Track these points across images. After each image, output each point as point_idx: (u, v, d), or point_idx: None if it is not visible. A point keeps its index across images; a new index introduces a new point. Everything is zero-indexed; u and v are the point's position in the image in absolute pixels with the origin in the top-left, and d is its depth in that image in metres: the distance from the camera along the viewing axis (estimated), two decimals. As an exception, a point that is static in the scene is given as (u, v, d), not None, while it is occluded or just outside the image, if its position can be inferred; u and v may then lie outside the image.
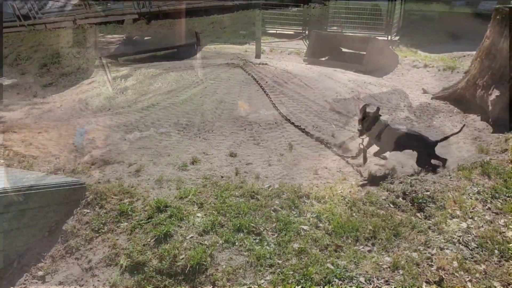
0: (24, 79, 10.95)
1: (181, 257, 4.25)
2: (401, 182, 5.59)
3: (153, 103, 8.54)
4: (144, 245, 4.48)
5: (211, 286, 3.97)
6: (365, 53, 12.21)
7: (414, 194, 5.29)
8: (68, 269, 4.47)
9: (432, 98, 9.36)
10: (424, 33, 15.50)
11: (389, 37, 14.64)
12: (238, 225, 4.67)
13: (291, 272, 4.01)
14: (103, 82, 9.98)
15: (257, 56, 11.67)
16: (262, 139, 7.22)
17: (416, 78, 11.31)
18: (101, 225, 4.85)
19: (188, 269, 4.12)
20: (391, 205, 5.14)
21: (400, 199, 5.25)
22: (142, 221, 4.82)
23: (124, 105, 8.62)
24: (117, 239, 4.62)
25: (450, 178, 5.69)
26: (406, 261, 4.19)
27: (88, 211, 5.07)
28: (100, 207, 5.11)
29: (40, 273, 4.44)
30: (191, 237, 4.56)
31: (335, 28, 15.45)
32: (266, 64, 10.33)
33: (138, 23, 17.11)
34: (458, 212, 5.00)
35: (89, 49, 12.98)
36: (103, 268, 4.38)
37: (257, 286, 3.88)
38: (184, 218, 4.83)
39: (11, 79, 9.98)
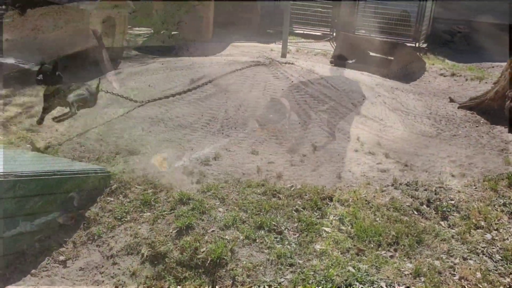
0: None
1: (202, 250, 4.27)
2: (425, 190, 5.53)
3: (177, 98, 8.57)
4: (165, 235, 4.52)
5: (231, 281, 3.98)
6: (392, 58, 12.09)
7: (438, 202, 5.23)
8: (89, 255, 4.52)
9: (458, 107, 9.22)
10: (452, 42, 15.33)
11: (417, 44, 14.49)
12: (259, 222, 4.67)
13: (312, 273, 3.99)
14: (130, 74, 10.07)
15: (283, 55, 11.63)
16: (285, 138, 7.20)
17: (443, 87, 11.16)
18: (124, 213, 4.89)
19: (208, 262, 4.14)
20: (415, 212, 5.09)
21: (424, 206, 5.20)
22: (165, 212, 4.86)
23: (149, 97, 8.68)
24: (139, 228, 4.66)
25: (476, 188, 5.61)
26: (428, 269, 4.15)
27: (112, 199, 5.13)
28: (123, 196, 5.16)
29: (62, 257, 4.50)
30: (212, 231, 4.57)
31: (363, 31, 15.35)
32: (292, 63, 10.29)
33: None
34: (482, 223, 4.93)
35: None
36: (124, 256, 4.42)
37: (277, 285, 3.88)
38: (206, 211, 4.85)
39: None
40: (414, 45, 14.28)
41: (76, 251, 4.58)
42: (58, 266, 4.43)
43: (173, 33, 14.94)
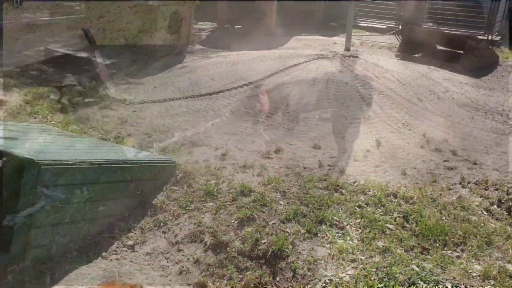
0: (118, 57, 11.43)
1: (263, 241, 4.31)
2: (496, 189, 5.27)
3: (240, 91, 8.68)
4: (227, 225, 4.60)
5: (292, 273, 3.99)
6: (462, 52, 11.54)
7: (510, 203, 4.96)
8: (156, 241, 4.70)
9: (534, 104, 8.68)
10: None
11: (490, 37, 13.74)
12: (320, 217, 4.64)
13: (374, 270, 3.92)
14: (195, 68, 10.31)
15: (347, 48, 11.44)
16: (348, 133, 7.10)
17: (518, 82, 10.54)
18: (188, 202, 5.04)
19: (269, 253, 4.17)
20: (485, 212, 4.87)
21: (495, 206, 4.96)
22: (227, 203, 4.95)
23: (212, 90, 8.85)
24: (202, 217, 4.78)
25: (554, 188, 5.27)
26: (499, 272, 3.95)
27: (177, 188, 5.29)
28: (188, 186, 5.31)
29: (130, 242, 4.70)
30: (273, 223, 4.61)
31: (430, 24, 14.77)
32: (356, 57, 10.13)
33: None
34: (558, 227, 4.62)
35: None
36: (188, 243, 4.55)
37: (338, 279, 3.85)
38: (267, 204, 4.89)
39: (110, 59, 10.56)
40: (486, 38, 13.53)
41: (143, 237, 4.76)
42: (126, 250, 4.62)
43: (236, 26, 15.13)
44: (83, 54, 10.51)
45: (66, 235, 4.31)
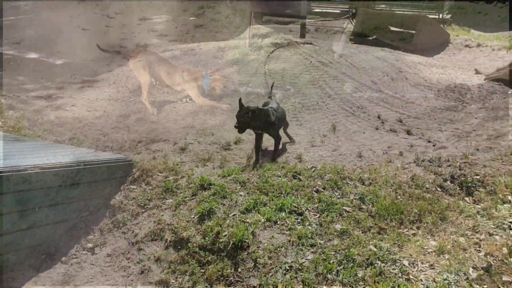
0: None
1: (224, 234, 4.31)
2: (449, 165, 5.42)
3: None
4: (188, 221, 4.58)
5: (253, 264, 4.01)
6: (414, 32, 11.79)
7: (463, 178, 5.11)
8: (116, 242, 4.64)
9: (485, 79, 8.96)
10: (478, 11, 14.81)
11: (441, 15, 14.07)
12: (280, 205, 4.66)
13: (333, 253, 3.99)
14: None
15: (302, 35, 11.50)
16: (305, 119, 7.16)
17: (469, 58, 10.86)
18: (147, 201, 4.98)
19: (230, 246, 4.18)
20: (438, 189, 5.00)
21: (448, 182, 5.09)
22: (187, 198, 4.92)
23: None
24: (162, 215, 4.74)
25: (503, 162, 5.46)
26: (453, 246, 4.08)
27: (135, 187, 5.22)
28: (146, 184, 5.24)
29: (90, 245, 4.63)
30: (234, 214, 4.61)
31: (383, 6, 15.01)
32: (311, 43, 10.19)
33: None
34: (509, 197, 4.79)
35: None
36: (148, 242, 4.52)
37: (298, 265, 3.89)
38: (227, 196, 4.88)
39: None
40: (437, 16, 13.86)
41: (103, 238, 4.70)
42: (86, 253, 4.56)
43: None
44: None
45: (22, 242, 4.20)
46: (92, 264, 4.42)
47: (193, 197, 4.94)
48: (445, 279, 3.66)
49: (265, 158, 5.98)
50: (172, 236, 4.43)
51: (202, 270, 4.09)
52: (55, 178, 4.46)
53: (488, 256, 3.94)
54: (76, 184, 4.75)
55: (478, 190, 4.91)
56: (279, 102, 6.66)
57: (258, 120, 5.58)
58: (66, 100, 8.10)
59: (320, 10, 16.30)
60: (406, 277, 3.71)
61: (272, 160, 5.91)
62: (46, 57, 10.19)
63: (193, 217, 4.62)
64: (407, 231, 4.35)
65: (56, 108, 7.75)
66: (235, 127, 5.54)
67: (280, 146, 6.14)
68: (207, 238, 4.32)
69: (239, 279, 3.92)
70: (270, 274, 3.87)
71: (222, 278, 3.95)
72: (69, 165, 4.72)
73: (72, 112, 7.62)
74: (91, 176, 4.89)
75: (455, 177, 5.16)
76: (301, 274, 3.80)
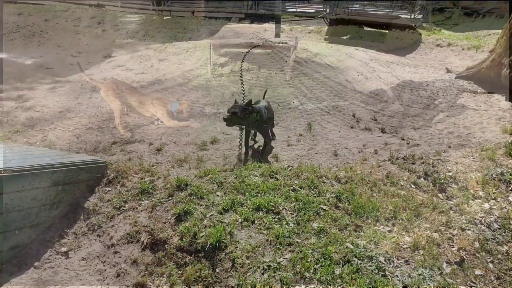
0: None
1: (201, 234, 4.27)
2: (423, 163, 5.52)
3: (169, 86, 8.54)
4: (164, 222, 4.53)
5: (231, 264, 4.00)
6: (387, 32, 11.97)
7: (436, 175, 5.21)
8: (91, 245, 4.55)
9: (456, 78, 9.16)
10: (448, 11, 15.12)
11: (412, 16, 14.30)
12: (257, 204, 4.66)
13: (310, 251, 4.01)
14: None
15: (277, 35, 11.53)
16: (282, 119, 7.18)
17: (440, 57, 11.07)
18: (123, 202, 4.91)
19: (208, 246, 4.15)
20: (412, 186, 5.09)
21: (422, 179, 5.19)
22: (163, 199, 4.86)
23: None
24: (138, 217, 4.67)
25: (473, 158, 5.59)
26: (427, 241, 4.15)
27: (110, 189, 5.14)
28: (121, 185, 5.16)
29: (64, 249, 4.52)
30: (211, 215, 4.58)
31: (357, 6, 15.15)
32: (285, 43, 10.22)
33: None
34: (480, 193, 4.92)
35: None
36: (124, 245, 4.44)
37: (276, 264, 3.90)
38: (204, 196, 4.85)
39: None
40: (409, 16, 14.08)
41: (77, 242, 4.60)
42: (60, 258, 4.45)
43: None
44: None
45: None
46: (67, 268, 4.32)
47: (170, 198, 4.89)
48: (420, 274, 3.73)
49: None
50: (149, 238, 4.37)
51: (179, 272, 4.04)
52: (27, 181, 4.35)
53: (461, 251, 4.03)
54: (48, 187, 4.65)
55: (450, 187, 5.01)
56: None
57: (250, 117, 5.61)
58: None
59: (295, 10, 16.36)
60: (382, 273, 3.75)
61: (260, 157, 5.93)
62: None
63: (170, 218, 4.57)
64: (382, 228, 4.41)
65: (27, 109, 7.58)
66: (224, 119, 5.52)
67: (269, 144, 6.17)
68: (184, 239, 4.27)
69: (217, 280, 3.90)
70: (248, 274, 3.86)
71: (200, 279, 3.92)
72: (42, 167, 4.61)
73: (49, 115, 7.46)
74: (64, 178, 4.79)
75: (429, 174, 5.26)
76: (279, 273, 3.80)
